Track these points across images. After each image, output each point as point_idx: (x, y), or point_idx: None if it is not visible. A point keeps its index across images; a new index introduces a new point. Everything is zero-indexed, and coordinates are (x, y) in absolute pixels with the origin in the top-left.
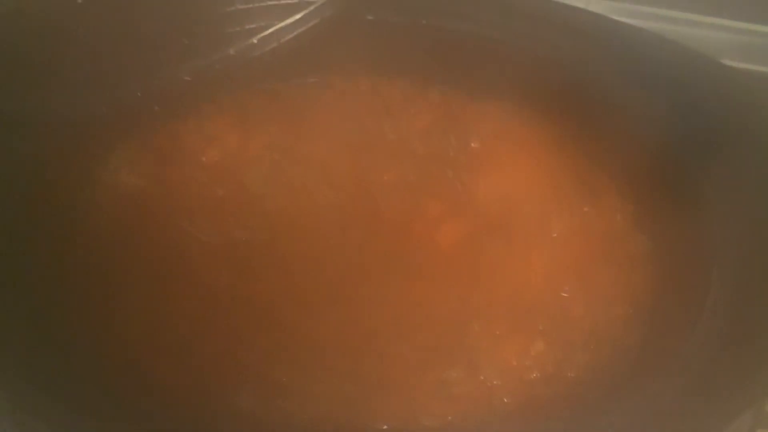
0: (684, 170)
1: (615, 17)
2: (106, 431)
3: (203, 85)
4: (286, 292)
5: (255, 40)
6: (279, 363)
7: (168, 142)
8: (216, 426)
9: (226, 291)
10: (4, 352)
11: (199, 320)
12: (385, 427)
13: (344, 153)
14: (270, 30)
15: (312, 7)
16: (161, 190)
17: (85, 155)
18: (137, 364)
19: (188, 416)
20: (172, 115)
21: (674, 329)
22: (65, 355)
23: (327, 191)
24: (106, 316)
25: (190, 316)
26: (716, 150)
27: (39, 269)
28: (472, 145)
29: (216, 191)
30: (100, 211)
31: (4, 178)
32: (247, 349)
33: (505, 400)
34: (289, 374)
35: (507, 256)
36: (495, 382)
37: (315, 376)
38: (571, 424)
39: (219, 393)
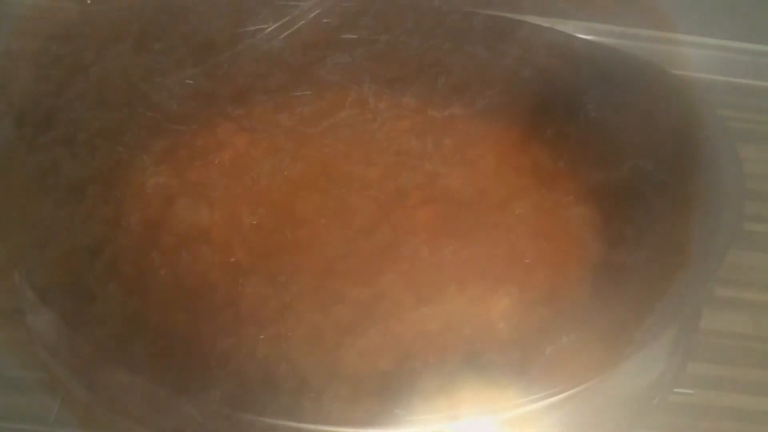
0: (629, 161)
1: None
2: None
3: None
4: (293, 266)
5: None
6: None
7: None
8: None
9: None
10: None
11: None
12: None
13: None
14: None
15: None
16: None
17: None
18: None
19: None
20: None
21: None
22: None
23: (325, 183)
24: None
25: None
26: (664, 150)
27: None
28: (446, 142)
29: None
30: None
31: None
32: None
33: (477, 345)
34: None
35: (476, 231)
36: (467, 332)
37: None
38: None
39: None
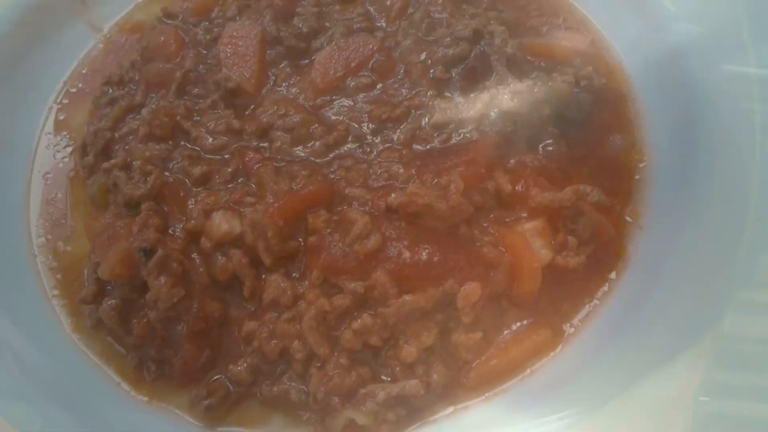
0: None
1: None
2: None
3: None
4: (304, 265)
5: None
6: None
7: None
8: None
9: None
10: None
11: None
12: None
13: (341, 176)
14: None
15: None
16: None
17: None
18: None
19: None
20: None
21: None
22: None
23: (330, 201)
24: None
25: None
26: (602, 176)
27: None
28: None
29: None
30: None
31: None
32: (277, 296)
33: (448, 327)
34: None
35: (449, 239)
36: (439, 317)
37: None
38: (490, 331)
39: None
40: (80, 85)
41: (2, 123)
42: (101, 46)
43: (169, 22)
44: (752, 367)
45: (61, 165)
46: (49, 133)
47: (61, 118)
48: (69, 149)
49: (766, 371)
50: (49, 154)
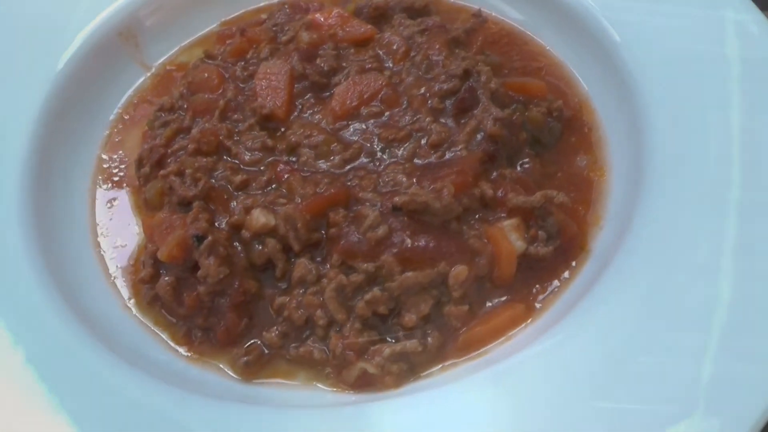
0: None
1: None
2: None
3: None
4: (327, 251)
5: None
6: None
7: None
8: None
9: None
10: None
11: None
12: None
13: (357, 184)
14: None
15: None
16: None
17: None
18: None
19: None
20: None
21: (533, 266)
22: None
23: (347, 202)
24: None
25: None
26: (566, 185)
27: None
28: (425, 178)
29: None
30: None
31: None
32: (303, 275)
33: (441, 301)
34: None
35: (442, 232)
36: (434, 292)
37: None
38: (475, 305)
39: None
40: (132, 113)
41: (67, 143)
42: (149, 81)
43: (210, 62)
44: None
45: (116, 177)
46: (107, 152)
47: (117, 139)
48: (123, 165)
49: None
50: (107, 168)
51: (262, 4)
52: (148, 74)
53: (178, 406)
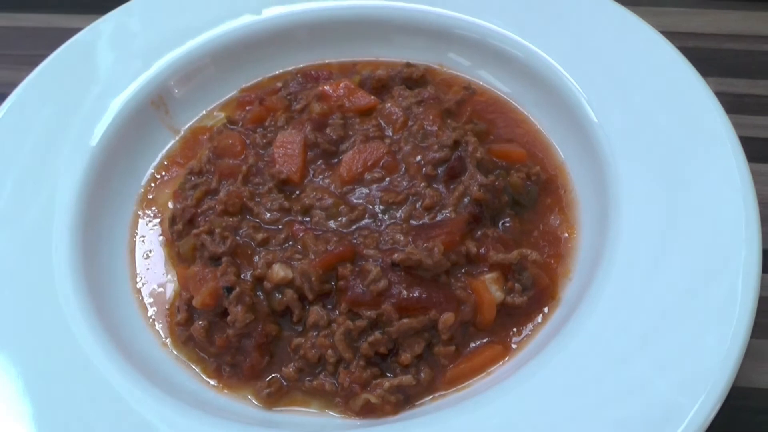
0: (520, 248)
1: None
2: None
3: None
4: (336, 300)
5: None
6: None
7: None
8: None
9: None
10: None
11: None
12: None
13: (361, 241)
14: None
15: None
16: None
17: None
18: None
19: None
20: None
21: (510, 312)
22: None
23: (353, 257)
24: None
25: None
26: (542, 244)
27: None
28: (419, 237)
29: None
30: None
31: None
32: (316, 321)
33: (432, 341)
34: None
35: (433, 284)
36: (426, 335)
37: None
38: (461, 346)
39: None
40: (163, 173)
41: (109, 201)
42: (178, 144)
43: (231, 127)
44: None
45: (151, 231)
46: (143, 208)
47: (150, 197)
48: (157, 220)
49: None
50: (143, 222)
51: (277, 72)
52: (177, 138)
53: (211, 428)
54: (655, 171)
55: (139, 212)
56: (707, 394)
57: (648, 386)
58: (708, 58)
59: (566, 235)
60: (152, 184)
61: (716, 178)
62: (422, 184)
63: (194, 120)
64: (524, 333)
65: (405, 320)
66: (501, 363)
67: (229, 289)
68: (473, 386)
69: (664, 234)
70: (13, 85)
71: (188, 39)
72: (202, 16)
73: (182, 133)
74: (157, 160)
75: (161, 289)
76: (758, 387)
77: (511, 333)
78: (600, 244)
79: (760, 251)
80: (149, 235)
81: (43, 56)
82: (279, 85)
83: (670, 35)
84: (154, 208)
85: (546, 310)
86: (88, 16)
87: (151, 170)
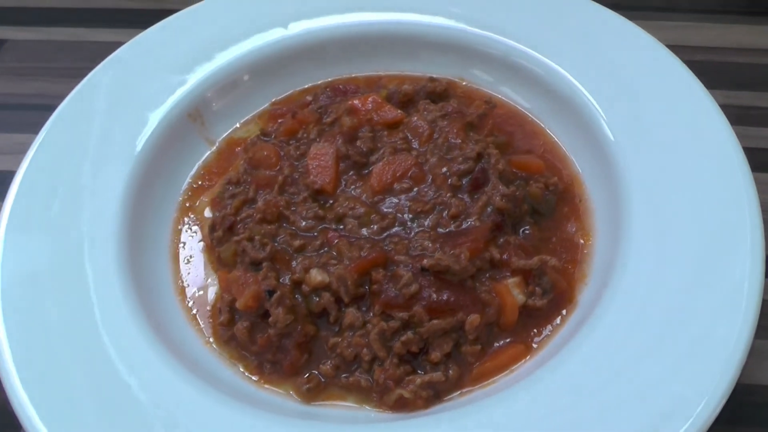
0: (540, 255)
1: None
2: None
3: None
4: (370, 302)
5: None
6: None
7: None
8: None
9: None
10: None
11: None
12: None
13: (392, 248)
14: None
15: None
16: None
17: None
18: None
19: None
20: None
21: (531, 314)
22: None
23: (384, 263)
24: None
25: None
26: (560, 251)
27: None
28: (446, 244)
29: None
30: None
31: None
32: (351, 322)
33: (460, 340)
34: None
35: (460, 288)
36: (453, 335)
37: None
38: (486, 345)
39: None
40: (200, 182)
41: (150, 208)
42: (214, 155)
43: (265, 139)
44: None
45: (191, 237)
46: (182, 215)
47: (188, 204)
48: (195, 227)
49: None
50: (183, 229)
51: (306, 85)
52: (213, 149)
53: (255, 419)
54: (663, 180)
55: (180, 219)
56: (714, 389)
57: (659, 381)
58: (714, 71)
59: (582, 241)
60: (189, 193)
61: (722, 187)
62: (448, 194)
63: (228, 132)
64: (544, 333)
65: (435, 321)
66: (523, 361)
67: (271, 292)
68: (498, 383)
69: (672, 240)
70: (47, 96)
71: (226, 53)
72: (236, 31)
73: (217, 144)
74: (194, 169)
75: (202, 292)
76: (762, 384)
77: (532, 333)
78: (613, 250)
79: (763, 257)
80: (189, 241)
81: (75, 69)
82: (309, 98)
83: (678, 49)
84: (192, 216)
85: (564, 312)
86: (117, 30)
87: (188, 179)
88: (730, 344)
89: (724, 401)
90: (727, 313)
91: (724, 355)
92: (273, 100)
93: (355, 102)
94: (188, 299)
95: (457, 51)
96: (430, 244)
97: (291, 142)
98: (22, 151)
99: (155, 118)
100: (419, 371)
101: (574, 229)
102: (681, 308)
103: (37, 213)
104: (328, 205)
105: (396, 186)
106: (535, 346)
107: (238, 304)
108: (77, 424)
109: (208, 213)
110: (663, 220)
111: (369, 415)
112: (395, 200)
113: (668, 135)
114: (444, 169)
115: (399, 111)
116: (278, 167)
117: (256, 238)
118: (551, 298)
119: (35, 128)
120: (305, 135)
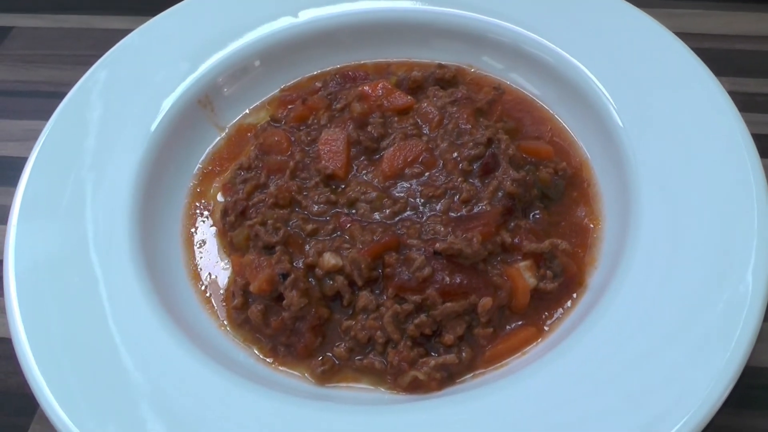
0: (551, 238)
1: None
2: None
3: None
4: (383, 285)
5: None
6: None
7: None
8: None
9: None
10: None
11: None
12: None
13: (404, 232)
14: None
15: None
16: None
17: None
18: None
19: None
20: None
21: (542, 297)
22: None
23: (397, 247)
24: None
25: None
26: (570, 235)
27: None
28: (458, 228)
29: None
30: None
31: None
32: (365, 304)
33: (472, 323)
34: None
35: (472, 271)
36: (466, 318)
37: None
38: (498, 329)
39: None
40: (210, 167)
41: (162, 194)
42: (223, 140)
43: (275, 125)
44: None
45: (203, 222)
46: (193, 200)
47: (198, 189)
48: (207, 212)
49: None
50: (192, 214)
51: (316, 72)
52: (222, 134)
53: (270, 400)
54: (672, 166)
55: (190, 204)
56: (723, 371)
57: (667, 363)
58: (721, 58)
59: (591, 226)
60: (199, 178)
61: (730, 173)
62: (459, 179)
63: (237, 118)
64: (555, 316)
65: (448, 304)
66: (534, 344)
67: (285, 276)
68: (510, 365)
69: (680, 225)
70: (55, 83)
71: (236, 40)
72: (246, 18)
73: (227, 130)
74: (204, 155)
75: (215, 276)
76: None
77: (543, 316)
78: (622, 234)
79: None
80: (201, 226)
81: (85, 56)
82: (318, 84)
83: (686, 36)
84: (203, 201)
85: (575, 295)
86: (126, 17)
87: (199, 165)
88: (738, 326)
89: (733, 383)
90: (736, 296)
91: (733, 335)
92: (282, 86)
93: (365, 88)
94: (202, 283)
95: (466, 38)
96: (442, 228)
97: (301, 128)
98: (32, 137)
99: (165, 104)
100: (432, 353)
101: (583, 214)
102: (690, 291)
103: (50, 199)
104: (339, 190)
105: (407, 171)
106: (546, 328)
107: (252, 288)
108: (93, 407)
109: (219, 198)
110: (671, 205)
111: (383, 397)
112: (406, 185)
113: (677, 121)
114: (455, 154)
115: (409, 97)
116: (289, 153)
117: (269, 222)
118: (562, 281)
119: (44, 115)
120: (315, 121)
